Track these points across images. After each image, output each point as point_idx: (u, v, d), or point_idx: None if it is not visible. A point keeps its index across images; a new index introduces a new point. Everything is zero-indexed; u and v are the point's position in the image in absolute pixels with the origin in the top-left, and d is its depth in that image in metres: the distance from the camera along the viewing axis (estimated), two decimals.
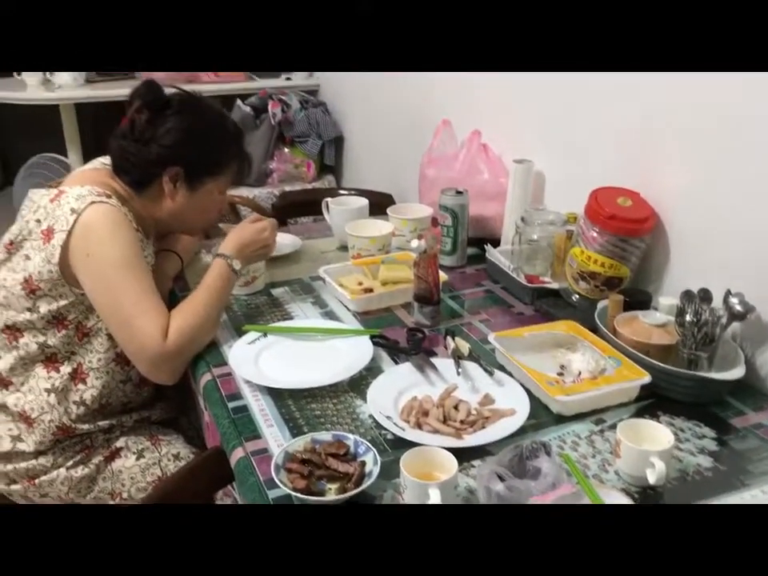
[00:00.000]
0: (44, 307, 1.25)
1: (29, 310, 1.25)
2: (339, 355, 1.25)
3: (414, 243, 1.34)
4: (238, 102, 2.86)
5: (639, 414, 1.10)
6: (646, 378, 1.11)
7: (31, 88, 2.98)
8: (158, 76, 2.92)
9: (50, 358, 1.29)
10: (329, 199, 1.81)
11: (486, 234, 1.72)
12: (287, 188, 2.80)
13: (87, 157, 3.14)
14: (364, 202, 1.80)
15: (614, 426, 1.06)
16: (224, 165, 1.37)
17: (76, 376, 1.30)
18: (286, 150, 2.87)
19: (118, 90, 2.92)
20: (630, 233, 1.32)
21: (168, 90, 1.34)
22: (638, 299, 1.29)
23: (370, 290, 1.45)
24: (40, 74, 2.99)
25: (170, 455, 1.37)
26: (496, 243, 1.66)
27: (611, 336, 1.22)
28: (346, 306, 1.45)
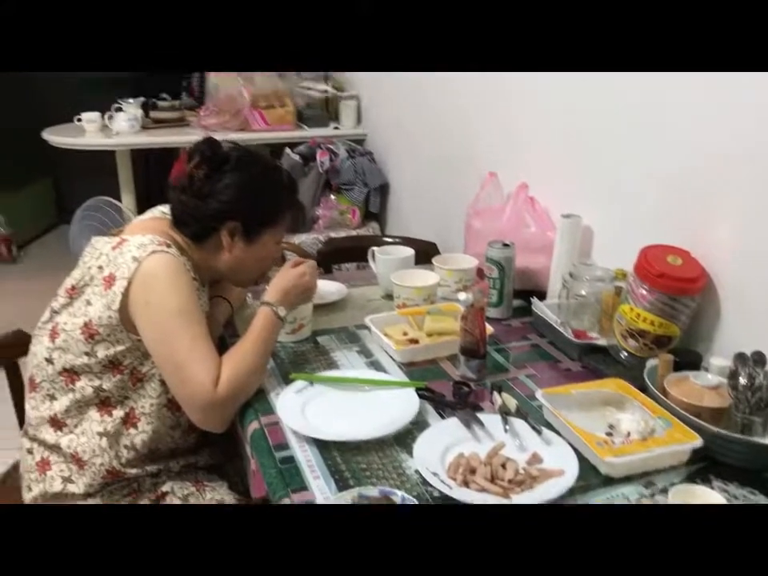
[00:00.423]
0: (101, 352, 1.28)
1: (87, 354, 1.29)
2: (385, 408, 1.25)
3: (462, 296, 1.35)
4: (287, 150, 2.94)
5: (690, 477, 1.08)
6: (698, 442, 1.09)
7: (90, 134, 3.12)
8: (209, 123, 3.05)
9: (104, 402, 1.32)
10: (375, 249, 1.83)
11: (531, 287, 1.72)
12: (332, 234, 2.86)
13: (139, 200, 3.28)
14: (410, 252, 1.82)
15: (664, 490, 1.04)
16: (279, 217, 1.41)
17: (128, 420, 1.33)
18: (332, 197, 2.93)
19: (172, 136, 3.07)
20: (679, 292, 1.31)
21: (225, 146, 1.39)
22: (688, 359, 1.28)
23: (416, 341, 1.46)
24: (98, 120, 3.12)
25: (214, 501, 1.38)
26: (542, 296, 1.65)
27: (661, 396, 1.20)
28: (391, 356, 1.46)
